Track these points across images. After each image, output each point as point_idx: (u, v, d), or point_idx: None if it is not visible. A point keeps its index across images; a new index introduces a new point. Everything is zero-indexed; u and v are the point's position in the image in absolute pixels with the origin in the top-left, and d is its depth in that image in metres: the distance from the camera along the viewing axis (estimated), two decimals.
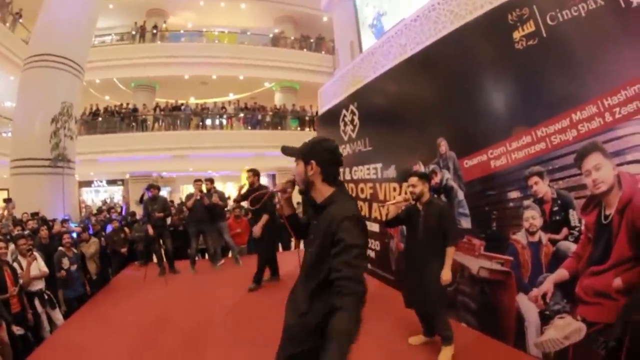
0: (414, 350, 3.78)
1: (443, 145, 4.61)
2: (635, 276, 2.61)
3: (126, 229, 8.69)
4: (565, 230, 3.16)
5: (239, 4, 20.60)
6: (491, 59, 3.87)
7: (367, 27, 10.54)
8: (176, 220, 8.39)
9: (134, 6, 19.49)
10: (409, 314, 3.98)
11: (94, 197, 21.85)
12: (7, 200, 9.28)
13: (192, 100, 21.27)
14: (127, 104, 18.83)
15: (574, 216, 3.09)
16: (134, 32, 19.21)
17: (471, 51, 4.11)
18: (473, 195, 4.16)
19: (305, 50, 20.97)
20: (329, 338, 1.59)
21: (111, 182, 22.86)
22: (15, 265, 5.02)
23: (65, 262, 5.83)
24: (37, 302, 5.15)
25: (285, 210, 2.19)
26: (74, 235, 7.16)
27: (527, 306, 3.51)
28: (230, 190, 19.18)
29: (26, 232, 6.57)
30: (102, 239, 7.80)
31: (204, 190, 7.64)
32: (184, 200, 9.90)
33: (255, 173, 6.37)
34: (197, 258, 7.94)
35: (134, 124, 18.16)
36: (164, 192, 7.64)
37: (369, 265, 6.28)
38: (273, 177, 22.85)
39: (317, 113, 12.95)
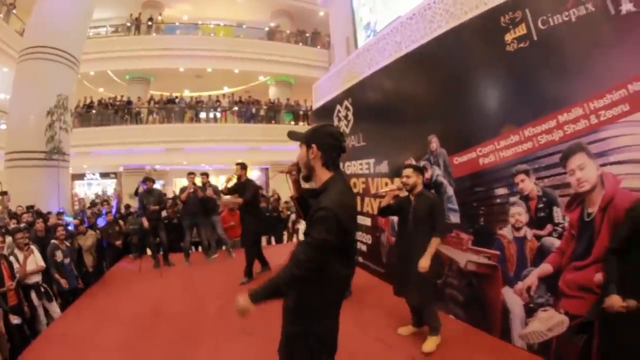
0: (403, 339, 3.90)
1: (434, 142, 4.71)
2: None
3: (120, 222, 8.74)
4: (549, 227, 3.29)
5: None
6: (483, 60, 3.97)
7: (362, 28, 10.59)
8: (171, 213, 8.44)
9: None
10: (399, 306, 4.12)
11: (86, 190, 21.64)
12: (3, 193, 9.26)
13: (187, 93, 21.16)
14: (122, 96, 18.69)
15: (558, 213, 3.21)
16: (129, 24, 19.01)
17: (464, 51, 4.20)
18: (462, 191, 4.27)
19: (300, 44, 20.92)
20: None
21: (104, 175, 22.69)
22: (12, 258, 5.01)
23: (59, 255, 5.84)
24: (33, 295, 5.16)
25: (294, 192, 2.25)
26: (71, 227, 7.22)
27: (512, 299, 3.64)
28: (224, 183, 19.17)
29: (22, 225, 6.57)
30: (97, 231, 7.84)
31: (198, 184, 7.70)
32: (177, 193, 9.96)
33: (243, 166, 6.40)
34: (190, 251, 8.01)
35: (128, 116, 18.05)
36: (157, 185, 7.69)
37: (361, 259, 6.39)
38: (266, 170, 22.85)
39: (311, 107, 12.98)
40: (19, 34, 14.75)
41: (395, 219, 5.44)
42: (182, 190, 7.71)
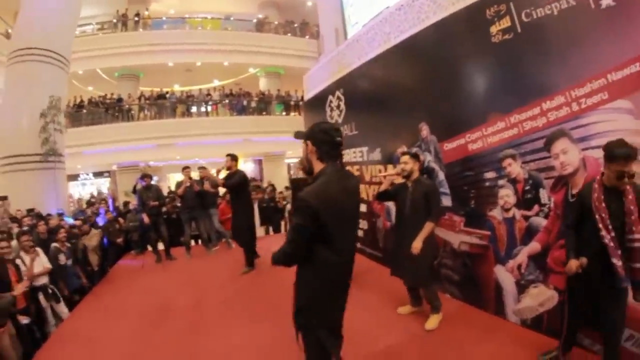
0: (403, 318, 4.13)
1: (425, 130, 4.90)
2: None
3: (120, 220, 8.86)
4: (536, 207, 3.49)
5: None
6: (470, 51, 4.14)
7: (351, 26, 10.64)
8: (169, 208, 8.58)
9: None
10: (397, 288, 4.33)
11: (80, 190, 21.56)
12: (3, 198, 9.34)
13: (177, 88, 21.13)
14: (112, 94, 18.57)
15: (544, 194, 3.42)
16: (115, 21, 18.82)
17: (452, 43, 4.37)
18: (453, 175, 4.48)
19: (289, 35, 20.90)
20: None
21: (98, 175, 22.61)
22: (18, 261, 5.03)
23: (62, 258, 5.88)
24: (41, 297, 5.18)
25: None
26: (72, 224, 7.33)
27: (505, 276, 3.86)
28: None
29: (24, 229, 6.66)
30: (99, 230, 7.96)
31: (196, 178, 7.82)
32: (172, 188, 10.04)
33: (233, 158, 6.43)
34: (191, 244, 8.17)
35: (119, 114, 17.95)
36: (139, 184, 7.80)
37: (358, 244, 6.57)
38: (260, 162, 22.92)
39: (302, 98, 13.06)
40: (3, 36, 14.66)
41: (390, 204, 5.66)
42: (179, 184, 7.81)
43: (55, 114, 11.00)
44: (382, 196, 4.19)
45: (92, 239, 7.24)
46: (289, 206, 10.49)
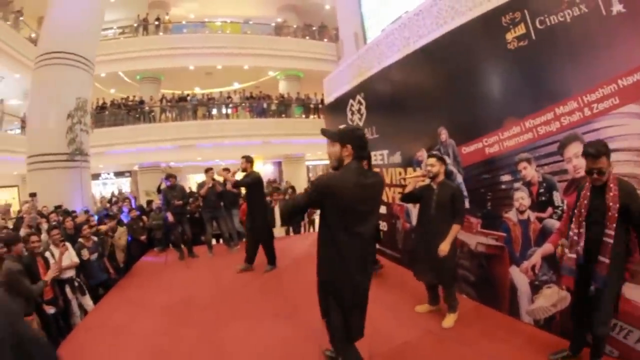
0: (420, 316, 4.26)
1: (443, 134, 5.01)
2: None
3: (144, 218, 9.14)
4: (550, 209, 3.58)
5: None
6: (486, 57, 4.25)
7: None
8: (193, 207, 8.79)
9: None
10: (415, 287, 4.47)
11: (101, 189, 21.98)
12: (32, 195, 9.67)
13: (198, 91, 21.46)
14: (134, 96, 19.01)
15: (557, 197, 3.51)
16: (136, 25, 19.27)
17: (469, 49, 4.48)
18: (470, 178, 4.57)
19: (308, 38, 21.10)
20: None
21: (119, 174, 23.15)
22: (47, 254, 5.26)
23: (85, 253, 6.03)
24: (68, 289, 5.39)
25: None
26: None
27: (519, 277, 3.95)
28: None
29: (53, 224, 6.92)
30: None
31: (219, 179, 8.01)
32: (192, 189, 10.26)
33: (248, 159, 6.50)
34: (213, 242, 8.36)
35: (140, 116, 18.39)
36: (164, 183, 8.05)
37: (378, 245, 6.62)
38: (279, 164, 23.12)
39: (322, 101, 13.20)
40: (28, 41, 15.22)
41: (409, 206, 5.79)
42: (201, 185, 8.00)
43: (82, 115, 11.36)
44: (407, 198, 4.30)
45: (121, 238, 7.54)
46: None
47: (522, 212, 3.88)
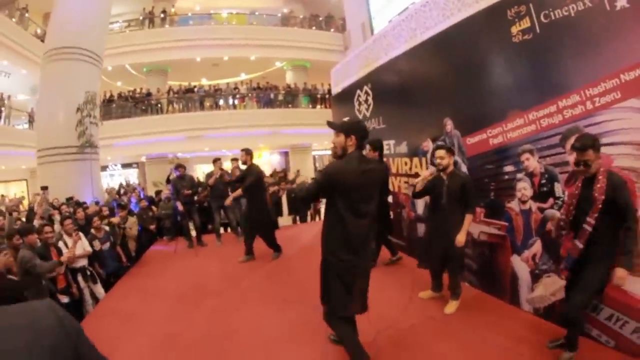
0: (423, 302, 4.39)
1: (449, 125, 5.09)
2: None
3: (153, 208, 9.31)
4: (551, 200, 3.66)
5: None
6: (492, 50, 4.31)
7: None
8: (202, 197, 8.90)
9: None
10: (419, 274, 4.62)
11: (109, 181, 22.18)
12: (44, 188, 9.85)
13: (205, 82, 21.53)
14: (141, 88, 19.14)
15: (558, 188, 3.58)
16: (141, 18, 19.36)
17: (475, 41, 4.54)
18: (474, 168, 4.64)
19: (314, 28, 21.08)
20: None
21: (126, 166, 23.39)
22: (60, 244, 5.41)
23: (97, 244, 6.21)
24: (80, 278, 5.53)
25: None
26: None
27: (520, 266, 4.05)
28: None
29: (66, 214, 7.08)
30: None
31: (228, 169, 8.12)
32: (200, 179, 10.42)
33: (247, 152, 6.58)
34: (221, 231, 8.51)
35: (148, 108, 18.54)
36: (174, 174, 8.23)
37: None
38: (286, 154, 23.21)
39: (329, 91, 13.23)
40: (34, 37, 15.46)
41: None
42: (209, 175, 8.11)
43: (92, 108, 11.55)
44: (419, 195, 4.40)
45: (133, 228, 7.74)
46: None
47: (524, 202, 3.97)
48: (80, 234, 5.74)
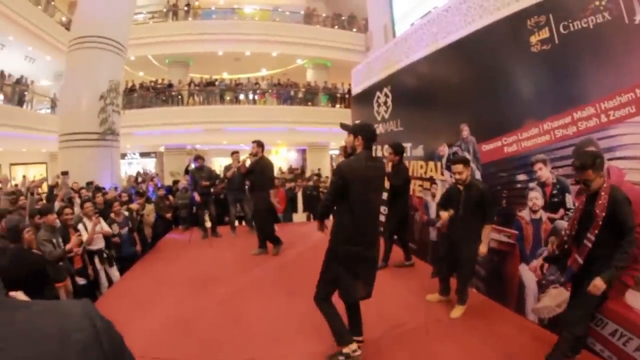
0: (430, 305, 4.44)
1: (465, 130, 5.12)
2: None
3: (170, 197, 9.50)
4: (562, 211, 3.68)
5: None
6: (511, 58, 4.33)
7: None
8: (219, 189, 9.03)
9: None
10: (428, 277, 4.67)
11: (127, 169, 22.50)
12: (64, 173, 10.07)
13: (226, 76, 21.68)
14: (162, 79, 19.37)
15: (569, 199, 3.60)
16: (165, 10, 19.54)
17: (494, 49, 4.58)
18: (488, 175, 4.66)
19: (336, 28, 21.04)
20: None
21: (144, 155, 23.66)
22: (80, 226, 5.54)
23: (115, 228, 6.38)
24: (96, 260, 5.70)
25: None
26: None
27: (528, 275, 4.07)
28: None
29: (86, 197, 7.26)
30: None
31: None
32: (217, 172, 10.56)
33: (259, 144, 6.69)
34: (236, 224, 8.64)
35: (168, 98, 18.74)
36: (192, 165, 8.41)
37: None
38: (303, 151, 23.27)
39: (348, 90, 13.27)
40: (59, 25, 15.81)
41: (428, 198, 5.98)
42: (227, 168, 8.18)
43: (115, 96, 11.77)
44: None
45: (150, 215, 7.95)
46: None
47: (535, 212, 3.99)
48: (100, 218, 5.92)
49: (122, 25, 12.82)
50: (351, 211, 3.13)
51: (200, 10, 20.25)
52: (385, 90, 7.50)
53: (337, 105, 19.71)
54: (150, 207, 8.23)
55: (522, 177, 4.16)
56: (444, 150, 5.63)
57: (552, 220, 3.78)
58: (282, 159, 23.28)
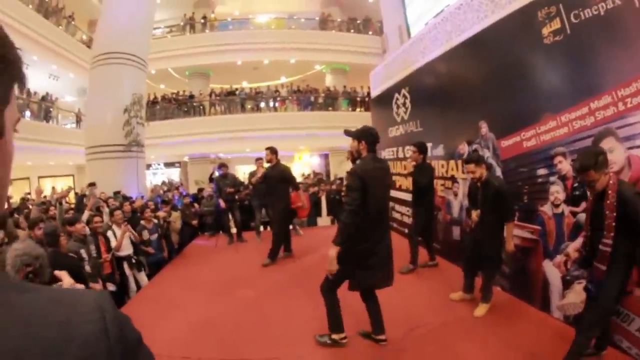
0: (454, 303, 4.42)
1: (484, 127, 5.07)
2: None
3: (195, 204, 9.69)
4: (583, 204, 3.55)
5: None
6: (525, 52, 4.28)
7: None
8: (243, 195, 9.16)
9: None
10: (451, 276, 4.74)
11: (152, 179, 22.86)
12: (92, 184, 10.36)
13: (245, 85, 21.92)
14: (184, 91, 19.75)
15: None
16: (182, 24, 19.94)
17: (508, 44, 4.53)
18: (508, 171, 4.61)
19: (352, 32, 21.06)
20: None
21: (169, 165, 24.21)
22: (109, 233, 5.79)
23: (145, 234, 6.64)
24: (125, 266, 5.91)
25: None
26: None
27: (552, 271, 3.98)
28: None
29: (116, 206, 7.51)
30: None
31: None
32: (240, 179, 10.71)
33: (272, 151, 6.64)
34: (261, 229, 8.75)
35: (190, 109, 19.12)
36: (216, 173, 8.58)
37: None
38: (326, 156, 23.31)
39: (368, 94, 13.30)
40: (80, 43, 16.49)
41: (451, 197, 5.95)
42: (252, 174, 8.19)
43: (138, 109, 12.10)
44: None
45: (176, 222, 8.16)
46: None
47: (556, 206, 3.91)
48: (129, 226, 6.15)
49: (142, 40, 13.20)
50: (365, 210, 3.28)
51: (216, 22, 20.62)
52: (404, 91, 7.50)
53: (358, 109, 19.71)
54: (176, 214, 8.42)
55: (542, 171, 4.09)
56: (464, 148, 5.58)
57: (574, 214, 3.70)
58: (305, 164, 23.37)
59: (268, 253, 6.55)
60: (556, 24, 3.73)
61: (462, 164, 5.58)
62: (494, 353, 3.36)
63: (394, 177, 8.20)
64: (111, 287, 5.38)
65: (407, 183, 7.10)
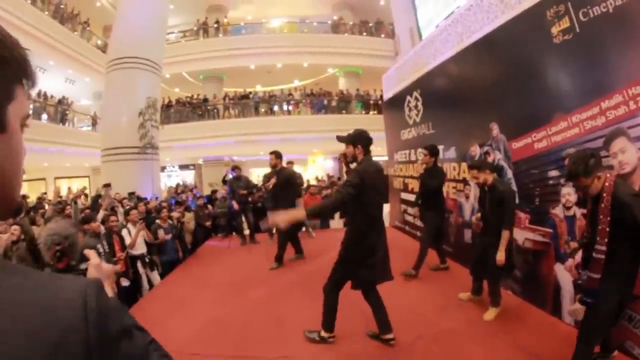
0: (463, 307, 4.38)
1: (495, 129, 5.02)
2: None
3: (209, 206, 9.82)
4: None
5: None
6: (534, 53, 4.21)
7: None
8: (257, 197, 9.20)
9: (194, 4, 20.57)
10: (461, 279, 4.67)
11: (166, 181, 23.11)
12: (107, 185, 10.51)
13: (259, 88, 22.06)
14: (198, 94, 19.97)
15: None
16: (196, 28, 20.21)
17: (518, 44, 4.47)
18: (519, 173, 4.55)
19: (365, 34, 21.05)
20: None
21: (183, 167, 24.48)
22: (124, 232, 5.91)
23: (161, 233, 6.77)
24: (139, 264, 6.03)
25: (346, 168, 3.84)
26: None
27: (563, 275, 3.91)
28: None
29: (131, 206, 7.65)
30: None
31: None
32: (254, 182, 10.74)
33: (277, 155, 6.67)
34: (273, 231, 8.70)
35: (204, 113, 19.34)
36: (230, 175, 8.66)
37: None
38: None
39: (381, 97, 13.30)
40: (95, 48, 16.98)
41: (462, 200, 5.89)
42: (267, 176, 8.13)
43: (153, 112, 12.34)
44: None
45: (190, 223, 8.28)
46: None
47: (568, 208, 3.83)
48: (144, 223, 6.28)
49: (156, 45, 13.42)
50: (365, 211, 3.45)
51: (229, 27, 20.82)
52: (415, 94, 7.47)
53: (371, 112, 19.68)
54: (190, 215, 8.53)
55: (553, 173, 4.02)
56: (476, 150, 5.52)
57: (586, 216, 3.62)
58: (319, 167, 23.38)
59: (275, 257, 6.56)
60: (565, 23, 3.67)
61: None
62: (502, 357, 3.31)
63: (406, 180, 8.22)
64: (125, 282, 5.47)
65: None
